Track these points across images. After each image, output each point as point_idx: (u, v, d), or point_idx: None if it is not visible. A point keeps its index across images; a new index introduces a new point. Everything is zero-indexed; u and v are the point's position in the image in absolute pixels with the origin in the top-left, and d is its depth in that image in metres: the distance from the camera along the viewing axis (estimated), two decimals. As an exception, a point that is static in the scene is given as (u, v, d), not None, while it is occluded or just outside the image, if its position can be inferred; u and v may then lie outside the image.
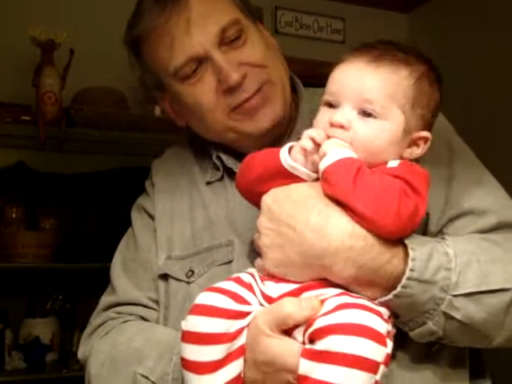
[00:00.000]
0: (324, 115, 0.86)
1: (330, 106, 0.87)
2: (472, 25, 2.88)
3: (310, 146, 0.83)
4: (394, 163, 0.84)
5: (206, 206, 1.08)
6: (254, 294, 0.84)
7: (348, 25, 3.25)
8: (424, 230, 0.93)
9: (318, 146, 0.83)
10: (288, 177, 0.86)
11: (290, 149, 0.86)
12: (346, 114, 0.84)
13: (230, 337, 0.81)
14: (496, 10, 2.77)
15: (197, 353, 0.81)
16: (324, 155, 0.81)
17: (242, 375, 0.82)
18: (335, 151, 0.81)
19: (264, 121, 1.02)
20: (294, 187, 0.85)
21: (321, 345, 0.74)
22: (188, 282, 1.02)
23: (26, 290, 2.62)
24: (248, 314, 0.83)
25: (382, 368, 0.74)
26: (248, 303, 0.83)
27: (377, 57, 0.85)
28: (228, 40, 1.01)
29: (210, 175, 1.10)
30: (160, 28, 1.02)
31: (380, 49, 0.87)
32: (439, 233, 0.94)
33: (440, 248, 0.83)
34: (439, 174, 0.96)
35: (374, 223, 0.78)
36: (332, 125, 0.84)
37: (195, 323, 0.81)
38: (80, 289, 2.57)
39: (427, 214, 0.93)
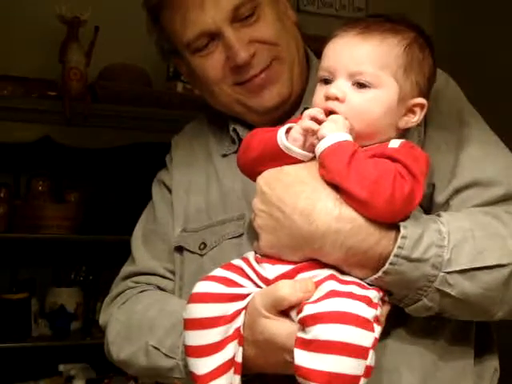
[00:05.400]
0: (320, 91, 0.88)
1: (326, 82, 0.88)
2: (497, 7, 2.85)
3: (310, 125, 0.84)
4: (395, 143, 0.85)
5: (220, 179, 1.10)
6: (247, 277, 0.86)
7: (370, 2, 3.22)
8: (430, 201, 0.94)
9: (320, 123, 0.84)
10: (286, 157, 0.86)
11: (289, 129, 0.87)
12: (340, 86, 0.86)
13: (227, 319, 0.84)
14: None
15: (196, 338, 0.85)
16: (322, 138, 0.83)
17: (235, 357, 0.84)
18: (332, 135, 0.82)
19: (269, 99, 1.03)
20: (287, 169, 0.86)
21: (310, 334, 0.76)
22: (201, 255, 1.05)
23: (52, 261, 2.68)
24: (246, 296, 0.85)
25: (371, 353, 0.75)
26: (240, 285, 0.86)
27: (365, 28, 0.87)
28: (241, 17, 1.02)
29: (226, 148, 1.12)
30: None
31: (368, 21, 0.89)
32: (445, 204, 0.94)
33: (433, 226, 0.84)
34: (447, 142, 0.96)
35: (368, 206, 0.79)
36: (328, 98, 0.86)
37: (193, 310, 0.86)
38: (103, 260, 2.61)
39: (433, 185, 0.94)
